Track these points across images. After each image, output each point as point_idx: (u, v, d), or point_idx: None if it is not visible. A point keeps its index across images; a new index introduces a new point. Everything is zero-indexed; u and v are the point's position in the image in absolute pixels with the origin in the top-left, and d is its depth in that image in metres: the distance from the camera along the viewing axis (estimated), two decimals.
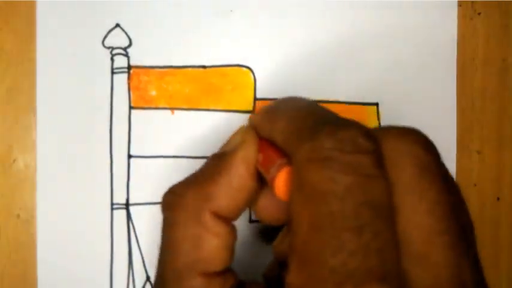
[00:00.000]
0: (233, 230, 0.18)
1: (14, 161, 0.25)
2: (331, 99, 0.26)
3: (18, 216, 0.25)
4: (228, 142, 0.20)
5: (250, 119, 0.21)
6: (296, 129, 0.16)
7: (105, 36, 0.25)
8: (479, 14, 0.27)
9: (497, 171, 0.27)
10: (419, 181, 0.15)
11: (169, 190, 0.19)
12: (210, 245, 0.17)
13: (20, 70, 0.25)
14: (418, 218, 0.14)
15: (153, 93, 0.25)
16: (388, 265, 0.13)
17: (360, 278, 0.13)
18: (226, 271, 0.18)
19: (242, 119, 0.26)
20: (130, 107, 0.25)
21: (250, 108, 0.26)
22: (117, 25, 0.25)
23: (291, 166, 0.16)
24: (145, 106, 0.25)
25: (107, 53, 0.25)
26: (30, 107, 0.25)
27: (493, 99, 0.27)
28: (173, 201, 0.18)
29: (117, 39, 0.25)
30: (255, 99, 0.26)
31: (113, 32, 0.25)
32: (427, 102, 0.27)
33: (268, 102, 0.25)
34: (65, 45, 0.25)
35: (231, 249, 0.18)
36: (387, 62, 0.26)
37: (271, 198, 0.19)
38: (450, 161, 0.27)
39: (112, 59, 0.25)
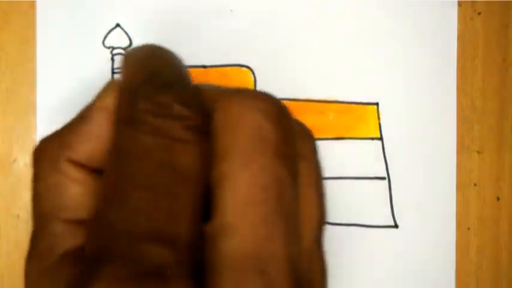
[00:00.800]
0: (98, 178, 0.18)
1: (14, 161, 0.25)
2: (331, 99, 0.26)
3: (18, 216, 0.25)
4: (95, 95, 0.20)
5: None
6: (125, 85, 0.16)
7: (105, 36, 0.25)
8: (479, 14, 0.27)
9: (497, 171, 0.27)
10: (251, 149, 0.14)
11: (35, 145, 0.19)
12: (70, 191, 0.17)
13: (20, 70, 0.25)
14: (239, 188, 0.14)
15: None
16: (177, 228, 0.13)
17: (139, 236, 0.13)
18: None
19: None
20: None
21: None
22: (117, 25, 0.25)
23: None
24: None
25: (107, 53, 0.25)
26: (30, 107, 0.25)
27: (493, 99, 0.27)
28: (36, 154, 0.18)
29: (117, 39, 0.25)
30: None
31: (113, 32, 0.25)
32: (427, 102, 0.27)
33: None
34: (65, 45, 0.25)
35: None
36: (387, 62, 0.26)
37: None
38: (450, 161, 0.27)
39: (112, 59, 0.25)
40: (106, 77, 0.25)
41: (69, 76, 0.25)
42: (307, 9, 0.26)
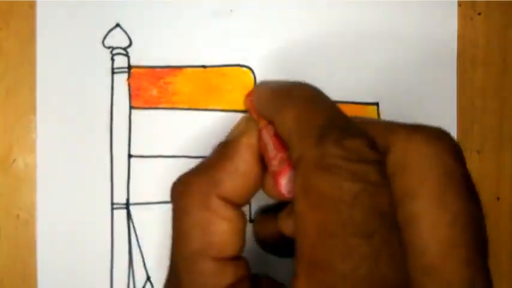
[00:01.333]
0: (242, 215, 0.18)
1: (14, 161, 0.25)
2: None
3: (18, 216, 0.25)
4: (232, 131, 0.20)
5: (253, 97, 0.21)
6: (303, 128, 0.16)
7: (105, 36, 0.25)
8: (479, 14, 0.27)
9: (497, 171, 0.27)
10: (445, 191, 0.15)
11: (177, 179, 0.19)
12: (219, 229, 0.17)
13: (20, 70, 0.25)
14: (438, 228, 0.14)
15: (153, 93, 0.25)
16: (397, 272, 0.13)
17: (371, 284, 0.13)
18: (238, 258, 0.18)
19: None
20: (131, 107, 0.25)
21: None
22: (117, 25, 0.25)
23: (292, 164, 0.16)
24: (145, 106, 0.25)
25: (107, 53, 0.25)
26: (30, 107, 0.25)
27: (493, 99, 0.27)
28: (181, 190, 0.18)
29: (117, 39, 0.25)
30: None
31: (113, 32, 0.25)
32: (427, 102, 0.27)
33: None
34: (65, 45, 0.25)
35: (242, 235, 0.18)
36: (387, 62, 0.26)
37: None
38: None
39: (112, 59, 0.25)
40: (106, 77, 0.25)
41: (69, 76, 0.25)
42: (307, 9, 0.26)
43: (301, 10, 0.26)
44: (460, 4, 0.27)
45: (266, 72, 0.26)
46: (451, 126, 0.27)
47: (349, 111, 0.26)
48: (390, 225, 0.14)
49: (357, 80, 0.26)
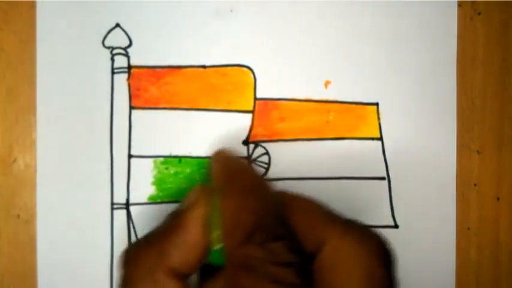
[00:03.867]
0: (187, 285, 0.19)
1: (14, 161, 0.25)
2: (331, 99, 0.26)
3: (18, 216, 0.25)
4: (185, 200, 0.21)
5: (212, 159, 0.23)
6: (233, 225, 0.18)
7: (105, 36, 0.25)
8: (479, 14, 0.27)
9: (497, 171, 0.27)
10: None
11: (128, 247, 0.20)
12: None
13: (20, 70, 0.25)
14: None
15: (153, 93, 0.25)
16: None
17: None
18: None
19: (242, 119, 0.26)
20: (131, 107, 0.25)
21: (250, 108, 0.26)
22: (117, 25, 0.25)
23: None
24: (145, 106, 0.25)
25: (107, 53, 0.25)
26: (30, 107, 0.25)
27: (493, 99, 0.27)
28: (129, 259, 0.19)
29: (117, 39, 0.25)
30: (255, 99, 0.26)
31: (113, 32, 0.25)
32: (427, 102, 0.27)
33: (267, 102, 0.25)
34: (65, 45, 0.25)
35: None
36: (387, 62, 0.26)
37: None
38: (450, 161, 0.27)
39: (112, 59, 0.25)
40: (106, 77, 0.25)
41: (69, 76, 0.25)
42: (307, 9, 0.26)
43: (301, 10, 0.26)
44: (460, 4, 0.27)
45: (266, 72, 0.26)
46: (451, 126, 0.27)
47: (349, 111, 0.26)
48: None
49: (357, 80, 0.26)
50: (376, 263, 0.17)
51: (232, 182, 0.19)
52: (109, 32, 0.25)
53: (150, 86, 0.25)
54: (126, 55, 0.25)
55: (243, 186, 0.19)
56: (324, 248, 0.17)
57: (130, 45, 0.25)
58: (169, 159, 0.25)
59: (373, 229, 0.18)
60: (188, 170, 0.25)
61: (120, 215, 0.25)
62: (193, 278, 0.21)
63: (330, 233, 0.17)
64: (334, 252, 0.17)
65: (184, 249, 0.19)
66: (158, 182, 0.25)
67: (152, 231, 0.20)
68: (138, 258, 0.19)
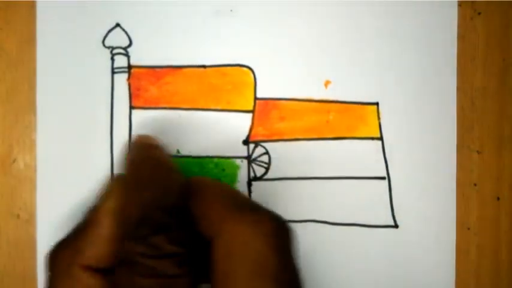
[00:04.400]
0: (106, 278, 0.19)
1: (14, 161, 0.25)
2: (331, 99, 0.26)
3: (18, 216, 0.25)
4: (99, 194, 0.21)
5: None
6: (123, 220, 0.18)
7: (105, 36, 0.25)
8: (479, 14, 0.27)
9: (497, 171, 0.27)
10: (252, 277, 0.16)
11: (50, 248, 0.20)
12: None
13: (20, 70, 0.25)
14: None
15: (153, 93, 0.25)
16: None
17: None
18: None
19: (242, 119, 0.26)
20: (131, 107, 0.25)
21: (250, 108, 0.26)
22: (117, 25, 0.25)
23: None
24: (145, 106, 0.25)
25: (107, 53, 0.25)
26: (30, 107, 0.25)
27: (493, 99, 0.27)
28: (49, 259, 0.19)
29: (117, 39, 0.25)
30: (255, 99, 0.26)
31: (113, 32, 0.25)
32: (427, 102, 0.27)
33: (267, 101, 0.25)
34: (65, 45, 0.25)
35: None
36: (387, 62, 0.26)
37: None
38: (450, 161, 0.27)
39: (112, 59, 0.25)
40: (106, 76, 0.25)
41: (69, 76, 0.25)
42: (307, 9, 0.26)
43: (301, 10, 0.26)
44: (460, 4, 0.27)
45: (266, 72, 0.26)
46: (451, 126, 0.27)
47: (349, 111, 0.26)
48: None
49: (357, 80, 0.26)
50: (269, 246, 0.16)
51: (131, 172, 0.19)
52: (109, 32, 0.25)
53: (150, 86, 0.25)
54: (126, 55, 0.25)
55: (138, 177, 0.19)
56: (220, 236, 0.17)
57: (130, 45, 0.25)
58: None
59: (273, 212, 0.18)
60: (188, 170, 0.25)
61: None
62: None
63: (227, 221, 0.17)
64: (230, 240, 0.17)
65: (98, 244, 0.19)
66: None
67: (71, 229, 0.20)
68: (56, 257, 0.19)
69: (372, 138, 0.26)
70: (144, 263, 0.16)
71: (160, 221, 0.17)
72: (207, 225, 0.18)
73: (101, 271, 0.19)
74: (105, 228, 0.19)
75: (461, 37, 0.27)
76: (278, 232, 0.17)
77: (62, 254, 0.19)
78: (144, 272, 0.16)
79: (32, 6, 0.25)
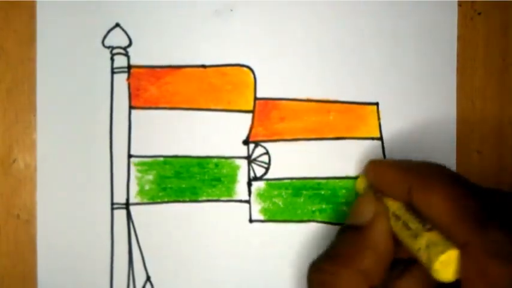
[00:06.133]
0: None
1: (14, 161, 0.25)
2: (331, 99, 0.26)
3: (18, 216, 0.25)
4: (359, 212, 0.21)
5: (370, 172, 0.23)
6: (459, 212, 0.17)
7: (105, 36, 0.25)
8: (479, 14, 0.27)
9: (497, 171, 0.27)
10: None
11: (316, 268, 0.20)
12: None
13: (20, 70, 0.25)
14: None
15: (153, 93, 0.25)
16: None
17: None
18: None
19: (242, 119, 0.26)
20: (131, 107, 0.25)
21: (250, 108, 0.26)
22: (117, 25, 0.25)
23: (456, 249, 0.17)
24: (145, 106, 0.25)
25: (106, 53, 0.25)
26: (30, 107, 0.25)
27: (493, 99, 0.27)
28: (326, 280, 0.19)
29: (117, 39, 0.25)
30: (255, 99, 0.26)
31: (113, 32, 0.25)
32: (427, 102, 0.27)
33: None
34: (65, 45, 0.25)
35: None
36: (387, 62, 0.26)
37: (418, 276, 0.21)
38: (450, 161, 0.27)
39: (112, 59, 0.25)
40: (106, 76, 0.25)
41: (69, 76, 0.25)
42: (307, 9, 0.26)
43: (301, 10, 0.26)
44: (460, 4, 0.27)
45: (266, 72, 0.26)
46: (451, 126, 0.27)
47: (349, 111, 0.26)
48: None
49: (357, 80, 0.26)
50: None
51: (420, 173, 0.19)
52: (109, 31, 0.25)
53: (150, 85, 0.25)
54: (126, 55, 0.25)
55: (446, 173, 0.19)
56: None
57: (130, 45, 0.25)
58: (169, 159, 0.25)
59: None
60: (188, 170, 0.25)
61: (120, 215, 0.25)
62: None
63: None
64: None
65: (379, 265, 0.19)
66: (158, 181, 0.25)
67: (336, 249, 0.20)
68: (335, 279, 0.19)
69: (372, 138, 0.26)
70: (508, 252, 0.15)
71: (500, 208, 0.17)
72: None
73: None
74: (384, 245, 0.19)
75: (461, 37, 0.27)
76: None
77: (344, 274, 0.19)
78: None
79: (32, 6, 0.25)
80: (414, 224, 0.19)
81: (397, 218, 0.20)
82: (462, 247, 0.17)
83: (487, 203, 0.17)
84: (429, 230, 0.19)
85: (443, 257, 0.17)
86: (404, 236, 0.20)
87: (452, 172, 0.20)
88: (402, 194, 0.20)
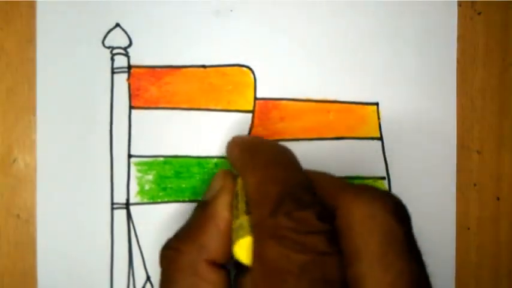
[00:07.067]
0: (227, 274, 0.19)
1: (14, 161, 0.25)
2: (331, 99, 0.26)
3: (18, 216, 0.25)
4: (210, 189, 0.21)
5: (227, 148, 0.22)
6: (260, 196, 0.17)
7: (105, 36, 0.25)
8: (479, 14, 0.27)
9: (497, 171, 0.27)
10: (387, 252, 0.16)
11: (165, 245, 0.20)
12: None
13: (20, 70, 0.25)
14: None
15: (153, 93, 0.25)
16: None
17: None
18: None
19: (242, 119, 0.26)
20: (131, 107, 0.25)
21: (250, 108, 0.26)
22: (117, 25, 0.25)
23: (251, 235, 0.17)
24: (145, 106, 0.25)
25: (107, 53, 0.25)
26: (30, 107, 0.25)
27: (493, 99, 0.27)
28: (170, 256, 0.19)
29: (117, 39, 0.25)
30: (255, 99, 0.26)
31: (113, 32, 0.25)
32: (427, 102, 0.27)
33: (268, 102, 0.25)
34: (65, 45, 0.25)
35: None
36: (387, 62, 0.26)
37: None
38: (450, 161, 0.27)
39: (112, 59, 0.25)
40: (106, 76, 0.25)
41: (69, 76, 0.25)
42: (307, 9, 0.26)
43: (301, 10, 0.26)
44: (460, 4, 0.27)
45: (266, 72, 0.26)
46: (451, 126, 0.27)
47: (349, 111, 0.26)
48: None
49: (356, 80, 0.26)
50: (392, 219, 0.16)
51: (254, 155, 0.19)
52: (109, 32, 0.25)
53: (150, 86, 0.25)
54: (126, 55, 0.25)
55: (266, 157, 0.19)
56: (337, 214, 0.17)
57: (130, 45, 0.25)
58: (169, 159, 0.25)
59: (385, 189, 0.18)
60: (188, 170, 0.25)
61: (120, 215, 0.25)
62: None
63: (341, 198, 0.17)
64: (347, 218, 0.16)
65: (220, 238, 0.19)
66: (158, 181, 0.25)
67: (185, 225, 0.20)
68: (178, 255, 0.19)
69: (372, 138, 0.26)
70: (294, 238, 0.15)
71: (304, 197, 0.17)
72: (328, 199, 0.17)
73: (222, 266, 0.19)
74: (225, 222, 0.19)
75: (461, 37, 0.27)
76: (397, 208, 0.17)
77: (186, 250, 0.19)
78: (294, 247, 0.15)
79: (32, 6, 0.25)
80: (241, 205, 0.19)
81: (236, 196, 0.20)
82: (253, 230, 0.17)
83: (289, 191, 0.17)
84: (248, 213, 0.18)
85: (241, 241, 0.18)
86: (233, 215, 0.19)
87: (277, 155, 0.20)
88: (240, 175, 0.20)
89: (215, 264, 0.19)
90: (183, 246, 0.19)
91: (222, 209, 0.19)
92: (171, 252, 0.19)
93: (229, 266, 0.20)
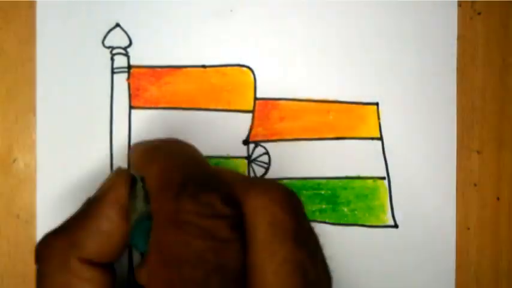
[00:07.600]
0: (108, 272, 0.18)
1: (14, 161, 0.25)
2: (331, 99, 0.26)
3: (18, 216, 0.25)
4: (100, 186, 0.20)
5: (130, 154, 0.22)
6: (162, 183, 0.17)
7: (105, 36, 0.25)
8: (479, 14, 0.27)
9: (497, 171, 0.27)
10: (272, 240, 0.16)
11: (40, 240, 0.18)
12: None
13: (20, 70, 0.25)
14: (266, 277, 0.15)
15: (153, 93, 0.25)
16: None
17: None
18: None
19: (242, 119, 0.26)
20: (131, 107, 0.25)
21: (250, 108, 0.26)
22: (117, 25, 0.25)
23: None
24: (145, 106, 0.25)
25: (107, 53, 0.25)
26: (30, 107, 0.25)
27: (493, 99, 0.27)
28: (42, 252, 0.18)
29: (117, 39, 0.25)
30: (255, 99, 0.26)
31: (113, 32, 0.25)
32: (427, 102, 0.27)
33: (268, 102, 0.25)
34: (65, 45, 0.25)
35: None
36: (387, 62, 0.26)
37: None
38: (450, 161, 0.27)
39: (112, 59, 0.25)
40: (106, 77, 0.25)
41: (69, 76, 0.25)
42: (307, 9, 0.26)
43: (301, 10, 0.26)
44: (460, 4, 0.27)
45: (266, 72, 0.26)
46: (451, 126, 0.27)
47: (349, 111, 0.26)
48: (235, 280, 0.15)
49: (357, 80, 0.26)
50: (279, 210, 0.16)
51: (155, 150, 0.19)
52: (109, 31, 0.25)
53: (150, 85, 0.25)
54: (126, 55, 0.25)
55: (169, 149, 0.19)
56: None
57: (130, 45, 0.25)
58: None
59: (279, 182, 0.18)
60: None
61: None
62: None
63: (239, 192, 0.17)
64: (244, 208, 0.16)
65: (100, 237, 0.18)
66: None
67: (66, 220, 0.19)
68: (49, 250, 0.18)
69: (372, 138, 0.26)
70: (196, 222, 0.15)
71: (207, 182, 0.16)
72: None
73: (102, 265, 0.18)
74: (109, 221, 0.18)
75: (461, 37, 0.27)
76: (287, 199, 0.17)
77: (58, 245, 0.18)
78: (196, 233, 0.15)
79: (32, 6, 0.25)
80: (139, 204, 0.18)
81: (134, 197, 0.19)
82: (153, 217, 0.16)
83: (193, 176, 0.16)
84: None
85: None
86: (127, 217, 0.19)
87: (180, 148, 0.19)
88: (141, 173, 0.19)
89: (93, 263, 0.18)
90: (55, 241, 0.18)
91: (108, 208, 0.18)
92: (42, 247, 0.18)
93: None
